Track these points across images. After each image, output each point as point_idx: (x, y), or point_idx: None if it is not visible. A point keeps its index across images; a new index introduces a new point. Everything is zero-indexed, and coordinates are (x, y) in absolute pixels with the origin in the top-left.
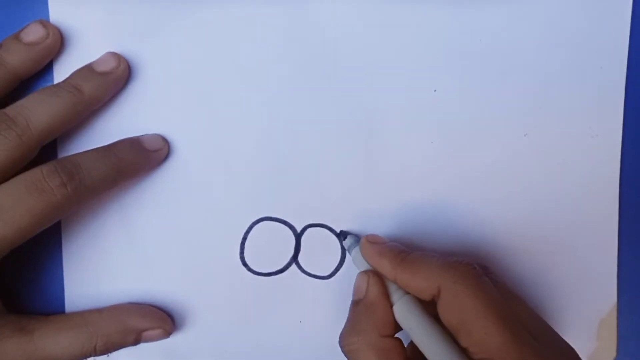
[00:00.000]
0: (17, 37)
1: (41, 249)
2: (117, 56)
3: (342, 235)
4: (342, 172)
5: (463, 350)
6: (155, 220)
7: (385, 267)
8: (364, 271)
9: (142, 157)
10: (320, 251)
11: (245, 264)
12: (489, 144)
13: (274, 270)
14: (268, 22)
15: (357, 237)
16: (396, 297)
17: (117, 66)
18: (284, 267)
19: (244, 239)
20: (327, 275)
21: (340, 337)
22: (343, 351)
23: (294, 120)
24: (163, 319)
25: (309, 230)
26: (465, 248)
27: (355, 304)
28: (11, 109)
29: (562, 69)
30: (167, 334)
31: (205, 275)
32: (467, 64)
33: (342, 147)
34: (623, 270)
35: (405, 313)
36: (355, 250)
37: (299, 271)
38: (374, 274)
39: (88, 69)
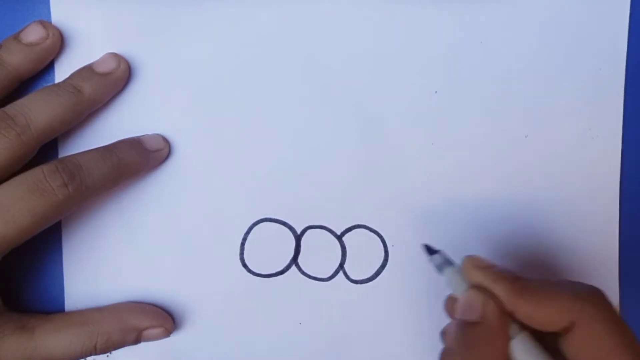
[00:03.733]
0: (17, 37)
1: (41, 249)
2: (117, 57)
3: (428, 251)
4: (343, 174)
5: None
6: (155, 220)
7: (502, 296)
8: (477, 288)
9: (142, 157)
10: (320, 253)
11: (245, 265)
12: (490, 145)
13: (273, 271)
14: (268, 23)
15: (446, 257)
16: (512, 332)
17: (117, 67)
18: (283, 268)
19: (244, 240)
20: (327, 277)
21: (441, 357)
22: None
23: (294, 121)
24: (164, 318)
25: (309, 231)
26: (464, 249)
27: (467, 325)
28: (11, 108)
29: (561, 70)
30: (168, 332)
31: (205, 276)
32: (468, 66)
33: (342, 148)
34: (624, 270)
35: (525, 352)
36: (450, 272)
37: (298, 273)
38: (490, 294)
39: (88, 70)
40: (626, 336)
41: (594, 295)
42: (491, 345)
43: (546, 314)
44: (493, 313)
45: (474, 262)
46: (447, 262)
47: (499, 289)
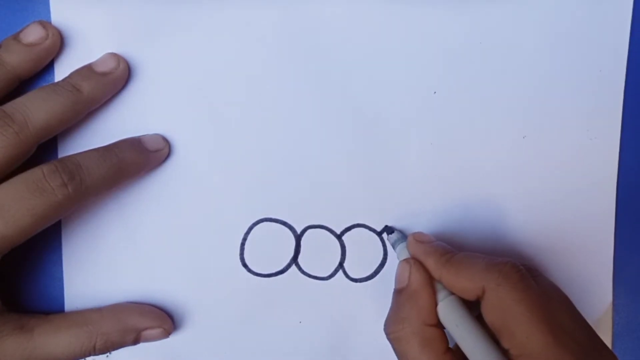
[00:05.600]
0: (16, 37)
1: (41, 249)
2: (117, 57)
3: (387, 231)
4: (342, 174)
5: (504, 351)
6: (155, 220)
7: (431, 266)
8: (405, 259)
9: (142, 157)
10: (320, 252)
11: (245, 265)
12: (488, 145)
13: (273, 271)
14: (268, 23)
15: (402, 234)
16: (441, 296)
17: (116, 67)
18: (283, 268)
19: (244, 240)
20: (327, 277)
21: (385, 325)
22: (388, 338)
23: (294, 121)
24: (163, 319)
25: (309, 231)
26: (462, 248)
27: (398, 292)
28: (9, 106)
29: (561, 71)
30: (167, 333)
31: (205, 276)
32: (467, 66)
33: (342, 148)
34: (619, 271)
35: (449, 313)
36: (401, 247)
37: (298, 272)
38: (416, 262)
39: (87, 69)
40: (534, 304)
41: (504, 265)
42: (414, 305)
43: (462, 282)
44: (416, 279)
45: (415, 237)
46: (400, 239)
47: (429, 261)
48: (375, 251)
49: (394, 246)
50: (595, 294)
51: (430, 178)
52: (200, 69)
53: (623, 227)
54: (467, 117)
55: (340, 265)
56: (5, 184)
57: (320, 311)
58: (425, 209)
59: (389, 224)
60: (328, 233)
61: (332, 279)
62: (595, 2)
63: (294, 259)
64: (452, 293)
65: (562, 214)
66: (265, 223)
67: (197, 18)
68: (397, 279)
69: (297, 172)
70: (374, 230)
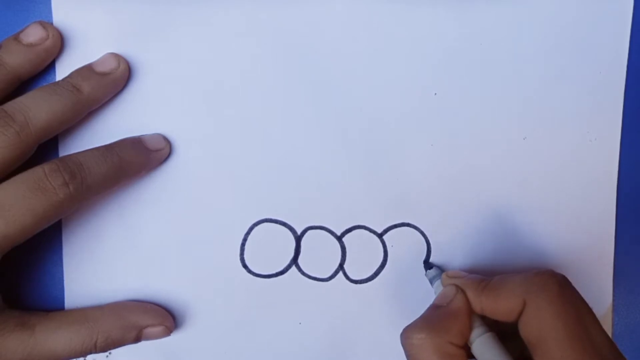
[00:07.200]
0: (17, 38)
1: (42, 247)
2: (117, 57)
3: (426, 267)
4: (343, 174)
5: None
6: (155, 220)
7: (470, 297)
8: (454, 284)
9: (143, 157)
10: (320, 253)
11: (245, 266)
12: (488, 147)
13: (273, 272)
14: (269, 23)
15: (440, 270)
16: (478, 333)
17: (116, 67)
18: (283, 269)
19: (244, 240)
20: (327, 278)
21: (405, 329)
22: (403, 342)
23: (294, 122)
24: (164, 316)
25: (309, 232)
26: (462, 250)
27: (436, 307)
28: (10, 106)
29: (562, 73)
30: (169, 331)
31: (205, 277)
32: (468, 68)
33: (342, 149)
34: (619, 271)
35: (485, 352)
36: (437, 284)
37: (298, 273)
38: (462, 291)
39: (88, 69)
40: (571, 321)
41: (544, 274)
42: (447, 323)
43: (503, 302)
44: (457, 303)
45: (449, 275)
46: (437, 276)
47: (468, 291)
48: (376, 253)
49: (431, 282)
50: (595, 294)
51: (431, 179)
52: (201, 69)
53: (623, 227)
54: (467, 118)
55: (341, 266)
56: (6, 184)
57: (320, 312)
58: (425, 210)
59: (431, 261)
60: (328, 234)
61: (332, 280)
62: (595, 2)
63: (294, 260)
64: (488, 330)
65: (563, 214)
66: (265, 224)
67: (197, 18)
68: (440, 297)
69: (297, 173)
70: (374, 232)
